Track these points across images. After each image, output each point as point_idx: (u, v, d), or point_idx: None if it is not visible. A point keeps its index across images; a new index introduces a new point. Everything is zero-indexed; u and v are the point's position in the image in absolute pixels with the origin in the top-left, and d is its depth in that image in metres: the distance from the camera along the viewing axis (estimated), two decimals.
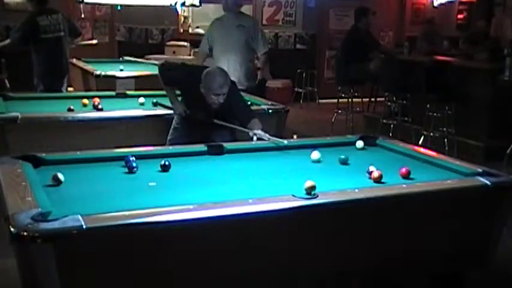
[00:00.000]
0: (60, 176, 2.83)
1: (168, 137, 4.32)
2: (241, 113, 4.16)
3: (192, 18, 11.15)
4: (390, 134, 6.70)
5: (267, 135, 3.89)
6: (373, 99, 8.77)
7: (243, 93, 4.76)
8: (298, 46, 10.25)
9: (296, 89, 9.81)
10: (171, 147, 3.67)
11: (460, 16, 11.73)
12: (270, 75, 6.55)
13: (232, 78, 5.95)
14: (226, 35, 5.86)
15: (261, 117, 4.26)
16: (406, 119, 7.22)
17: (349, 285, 2.89)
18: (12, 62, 8.01)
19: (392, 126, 7.19)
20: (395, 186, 2.96)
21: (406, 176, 3.11)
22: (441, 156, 3.70)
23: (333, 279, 2.81)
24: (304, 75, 9.73)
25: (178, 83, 4.32)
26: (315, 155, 3.48)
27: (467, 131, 6.57)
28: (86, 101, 5.02)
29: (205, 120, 4.16)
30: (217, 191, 2.81)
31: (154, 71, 7.24)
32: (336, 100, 8.39)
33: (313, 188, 2.66)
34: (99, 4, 9.66)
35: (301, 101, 9.70)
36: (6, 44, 6.38)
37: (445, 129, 6.53)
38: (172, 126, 4.38)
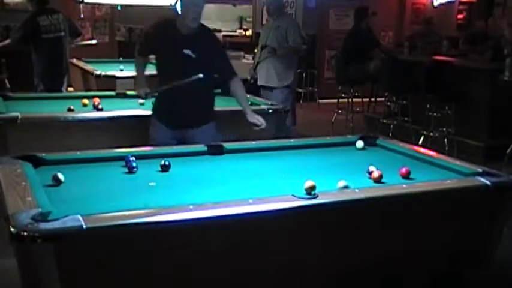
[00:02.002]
0: (60, 176, 2.83)
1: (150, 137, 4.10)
2: (223, 64, 4.08)
3: None
4: (390, 134, 6.71)
5: (260, 118, 3.96)
6: (373, 99, 8.77)
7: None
8: None
9: (296, 89, 9.80)
10: (174, 147, 3.67)
11: (460, 16, 11.73)
12: (283, 52, 6.49)
13: (267, 77, 6.52)
14: (265, 36, 6.59)
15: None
16: (406, 119, 7.22)
17: (349, 285, 2.89)
18: (12, 62, 8.00)
19: (392, 126, 7.20)
20: (396, 186, 2.95)
21: (406, 176, 3.11)
22: (441, 156, 3.70)
23: (333, 279, 2.81)
24: (304, 75, 9.72)
25: (152, 39, 4.21)
26: (342, 183, 2.86)
27: (467, 131, 6.58)
28: (86, 101, 5.01)
29: (171, 87, 3.94)
30: (217, 191, 2.81)
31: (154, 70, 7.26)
32: (336, 100, 8.40)
33: (313, 188, 2.66)
34: (99, 4, 9.67)
35: (301, 101, 9.70)
36: (7, 44, 6.39)
37: (445, 129, 6.54)
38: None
